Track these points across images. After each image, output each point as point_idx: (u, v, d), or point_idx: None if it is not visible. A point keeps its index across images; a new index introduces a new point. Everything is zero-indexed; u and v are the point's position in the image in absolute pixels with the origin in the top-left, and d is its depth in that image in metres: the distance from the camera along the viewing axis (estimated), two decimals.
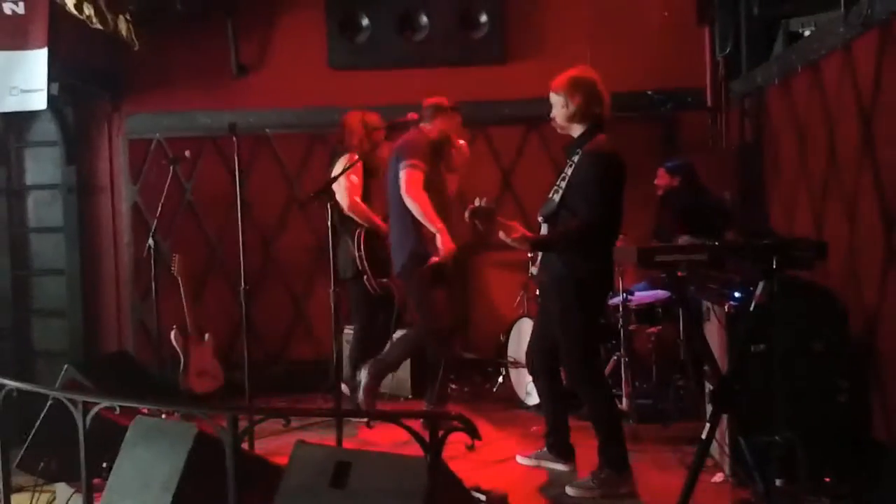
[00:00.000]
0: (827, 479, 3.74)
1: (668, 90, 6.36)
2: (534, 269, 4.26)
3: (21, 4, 5.41)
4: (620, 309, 5.00)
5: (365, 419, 5.07)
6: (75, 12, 5.29)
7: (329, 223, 4.16)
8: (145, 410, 3.65)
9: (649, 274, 5.53)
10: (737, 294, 3.99)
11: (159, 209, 5.37)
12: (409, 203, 4.79)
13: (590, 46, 6.20)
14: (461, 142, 5.19)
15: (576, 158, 3.94)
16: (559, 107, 3.99)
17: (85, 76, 6.30)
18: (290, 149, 6.64)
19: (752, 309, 3.38)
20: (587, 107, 3.94)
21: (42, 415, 3.91)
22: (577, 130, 4.00)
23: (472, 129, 6.45)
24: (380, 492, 2.77)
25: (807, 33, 4.93)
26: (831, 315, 3.94)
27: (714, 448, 3.95)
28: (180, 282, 5.84)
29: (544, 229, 4.03)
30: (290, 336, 6.66)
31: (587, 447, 4.21)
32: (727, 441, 3.90)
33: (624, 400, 4.96)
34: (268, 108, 6.58)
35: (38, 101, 5.48)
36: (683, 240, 4.94)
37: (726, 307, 3.96)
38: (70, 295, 6.58)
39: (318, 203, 4.27)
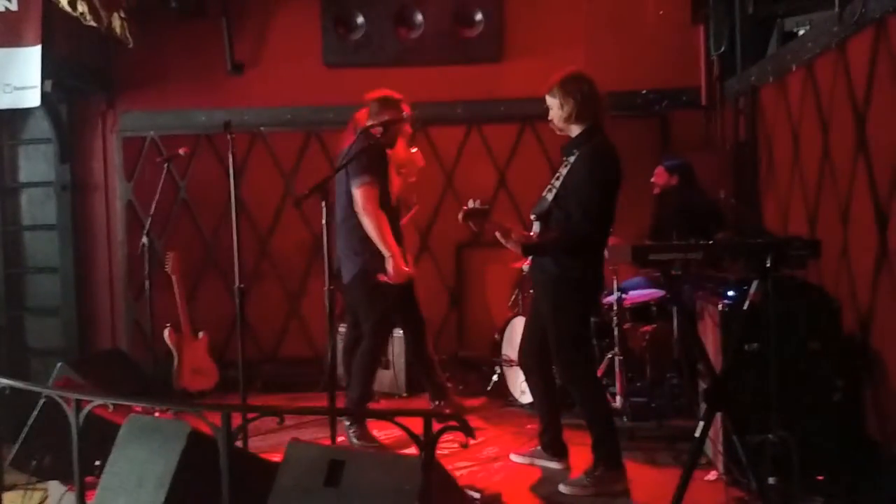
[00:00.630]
0: (820, 478, 3.75)
1: (662, 89, 6.36)
2: (526, 267, 4.26)
3: (14, 1, 5.39)
4: (615, 307, 5.00)
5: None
6: (69, 9, 5.28)
7: (324, 221, 4.15)
8: (139, 408, 3.65)
9: (645, 271, 5.53)
10: (731, 293, 3.99)
11: (153, 207, 5.36)
12: (365, 221, 4.65)
13: (585, 45, 6.23)
14: (413, 149, 5.12)
15: (572, 159, 3.94)
16: (555, 108, 3.99)
17: (79, 73, 6.28)
18: (285, 146, 6.63)
19: (745, 308, 3.39)
20: (582, 107, 3.94)
21: (35, 413, 3.90)
22: (574, 131, 4.00)
23: (467, 127, 6.48)
24: (374, 490, 2.77)
25: (801, 32, 4.94)
26: (825, 314, 3.95)
27: (708, 446, 3.96)
28: (174, 280, 5.83)
29: (536, 227, 4.04)
30: (285, 334, 6.66)
31: (581, 445, 4.22)
32: (721, 439, 3.90)
33: (618, 398, 4.96)
34: (263, 105, 6.57)
35: (32, 99, 5.47)
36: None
37: (720, 306, 3.96)
38: (64, 293, 6.57)
39: (313, 201, 4.26)
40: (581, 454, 4.18)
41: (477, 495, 3.62)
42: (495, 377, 5.83)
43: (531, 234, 4.02)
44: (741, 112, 6.03)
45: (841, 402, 3.89)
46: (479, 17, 6.46)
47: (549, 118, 4.06)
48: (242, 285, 4.36)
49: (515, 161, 6.54)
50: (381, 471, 2.82)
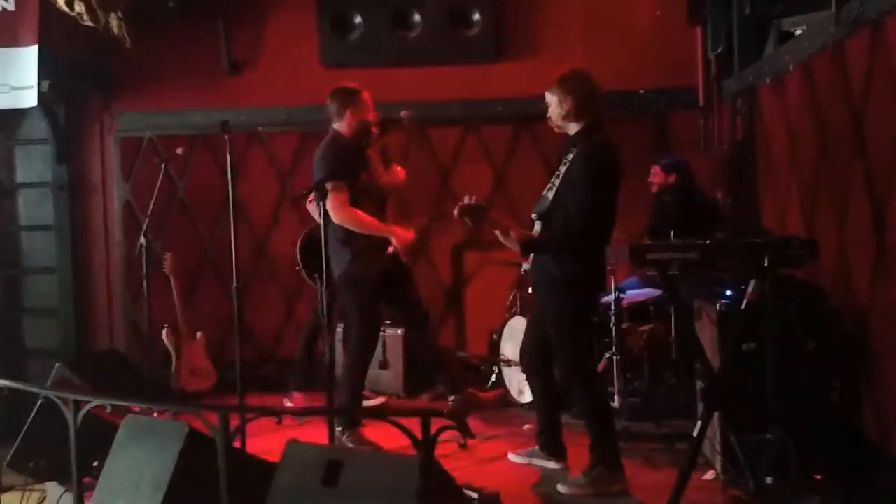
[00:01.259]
0: (818, 478, 3.75)
1: (660, 89, 6.37)
2: (526, 266, 4.26)
3: (11, 1, 5.40)
4: (612, 307, 5.00)
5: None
6: (66, 9, 5.28)
7: (322, 221, 4.15)
8: (136, 409, 3.65)
9: (640, 270, 5.53)
10: (728, 292, 3.99)
11: (151, 207, 5.36)
12: (345, 224, 4.61)
13: (582, 45, 6.23)
14: (397, 168, 5.06)
15: (570, 157, 3.94)
16: (554, 105, 4.00)
17: (76, 74, 6.28)
18: (283, 147, 6.63)
19: (743, 307, 3.39)
20: (581, 105, 3.94)
21: (33, 414, 3.90)
22: (572, 129, 4.00)
23: (464, 127, 6.47)
24: (372, 490, 2.77)
25: (798, 33, 4.95)
26: (823, 313, 3.95)
27: (706, 446, 3.95)
28: (172, 280, 5.83)
29: (538, 227, 4.03)
30: (283, 334, 6.65)
31: (579, 446, 4.22)
32: (719, 439, 3.90)
33: (616, 398, 4.96)
34: (260, 106, 6.56)
35: (29, 99, 5.47)
36: None
37: (718, 305, 3.97)
38: (61, 294, 6.56)
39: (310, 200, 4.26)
40: (580, 454, 4.18)
41: (475, 495, 3.62)
42: (493, 377, 5.84)
43: (532, 233, 4.02)
44: (739, 112, 6.03)
45: (838, 401, 3.89)
46: (476, 17, 6.46)
47: (548, 115, 4.06)
48: (240, 285, 4.36)
49: (513, 161, 6.54)
50: (380, 471, 2.82)
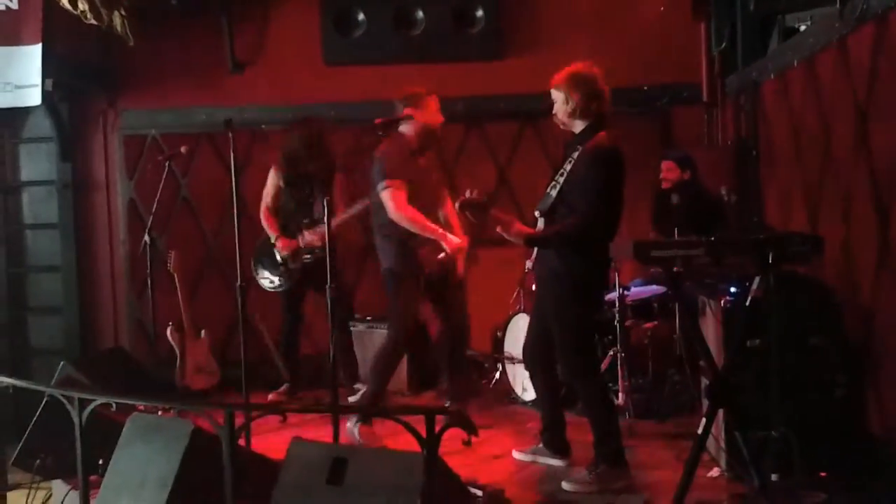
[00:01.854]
0: (823, 474, 3.75)
1: (663, 85, 6.36)
2: (529, 263, 4.26)
3: (15, 0, 5.39)
4: (617, 304, 5.00)
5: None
6: (70, 7, 5.28)
7: (325, 219, 4.15)
8: (141, 407, 3.66)
9: (642, 272, 5.52)
10: (733, 289, 3.99)
11: (155, 205, 5.36)
12: (402, 222, 4.62)
13: (586, 41, 6.22)
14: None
15: (575, 155, 3.94)
16: (560, 102, 3.98)
17: (80, 72, 6.29)
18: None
19: (747, 304, 3.39)
20: (587, 103, 3.93)
21: (38, 412, 3.91)
22: (578, 126, 3.99)
23: (468, 124, 6.46)
24: (377, 488, 2.78)
25: (802, 28, 4.94)
26: (827, 309, 3.95)
27: (710, 443, 3.95)
28: (176, 278, 5.83)
29: (541, 224, 4.03)
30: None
31: (583, 443, 4.22)
32: (723, 436, 3.90)
33: (620, 395, 4.96)
34: (263, 103, 6.57)
35: (33, 98, 5.48)
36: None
37: (722, 302, 3.96)
38: (66, 292, 6.57)
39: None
40: (584, 451, 4.18)
41: (479, 492, 3.62)
42: (497, 374, 5.84)
43: (535, 230, 4.01)
44: (742, 108, 6.02)
45: (843, 398, 3.89)
46: (479, 14, 6.45)
47: (554, 112, 4.05)
48: (244, 283, 4.36)
49: (516, 158, 6.53)
50: (384, 468, 2.83)
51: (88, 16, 5.39)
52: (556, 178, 4.00)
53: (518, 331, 5.48)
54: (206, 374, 5.90)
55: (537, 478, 4.15)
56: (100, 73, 6.52)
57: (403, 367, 5.91)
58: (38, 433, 3.93)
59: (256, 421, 3.16)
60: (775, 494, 3.44)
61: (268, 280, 5.77)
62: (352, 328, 6.22)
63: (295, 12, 6.59)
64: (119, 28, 5.71)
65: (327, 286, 4.16)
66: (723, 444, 3.92)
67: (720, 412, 3.57)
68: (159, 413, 4.25)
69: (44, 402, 3.86)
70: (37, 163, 6.64)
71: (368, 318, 6.28)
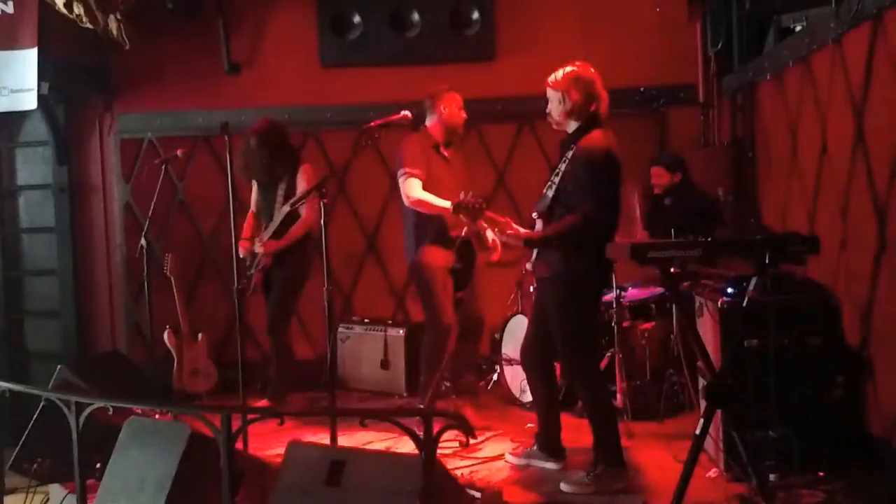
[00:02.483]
0: (821, 474, 3.75)
1: (659, 86, 6.36)
2: (528, 265, 4.25)
3: (10, 4, 5.39)
4: (614, 305, 5.00)
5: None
6: (65, 11, 5.27)
7: (322, 221, 4.15)
8: (139, 411, 3.65)
9: (640, 274, 5.51)
10: (730, 289, 3.99)
11: (151, 209, 5.35)
12: (413, 206, 4.79)
13: (582, 42, 6.22)
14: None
15: (570, 154, 3.93)
16: (556, 102, 3.98)
17: (75, 75, 6.28)
18: None
19: (745, 304, 3.39)
20: (585, 104, 3.94)
21: (35, 416, 3.90)
22: (572, 126, 4.00)
23: (465, 125, 6.47)
24: (375, 490, 2.77)
25: (798, 29, 4.94)
26: (825, 309, 3.95)
27: (708, 443, 3.96)
28: (173, 281, 5.83)
29: (539, 225, 4.03)
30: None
31: (579, 445, 4.22)
32: (721, 436, 3.90)
33: (618, 396, 4.95)
34: (260, 106, 6.55)
35: (29, 101, 5.46)
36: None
37: (719, 303, 3.96)
38: (62, 295, 6.56)
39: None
40: (579, 453, 4.18)
41: (478, 494, 3.61)
42: (495, 376, 5.83)
43: (532, 231, 4.01)
44: (739, 109, 6.03)
45: (841, 397, 3.89)
46: (475, 15, 6.45)
47: (548, 111, 4.04)
48: (241, 286, 4.36)
49: (514, 160, 6.53)
50: (382, 471, 2.83)
51: (84, 20, 5.38)
52: (552, 178, 4.00)
53: (516, 332, 5.48)
54: (203, 377, 5.89)
55: (536, 479, 4.14)
56: (96, 77, 6.52)
57: (401, 368, 5.92)
58: (36, 437, 3.92)
59: (254, 424, 3.16)
60: (774, 494, 3.44)
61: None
62: (349, 330, 6.22)
63: (291, 15, 6.58)
64: (114, 32, 5.70)
65: (325, 288, 4.16)
66: (721, 445, 3.92)
67: (718, 413, 3.57)
68: (156, 416, 4.25)
69: (41, 405, 3.85)
70: (33, 166, 6.63)
71: (366, 319, 6.29)
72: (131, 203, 6.62)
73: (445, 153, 4.97)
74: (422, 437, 2.71)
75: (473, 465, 4.35)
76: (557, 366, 4.34)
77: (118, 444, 3.28)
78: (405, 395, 5.88)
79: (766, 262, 3.20)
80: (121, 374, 5.76)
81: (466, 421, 2.74)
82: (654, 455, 4.39)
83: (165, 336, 5.82)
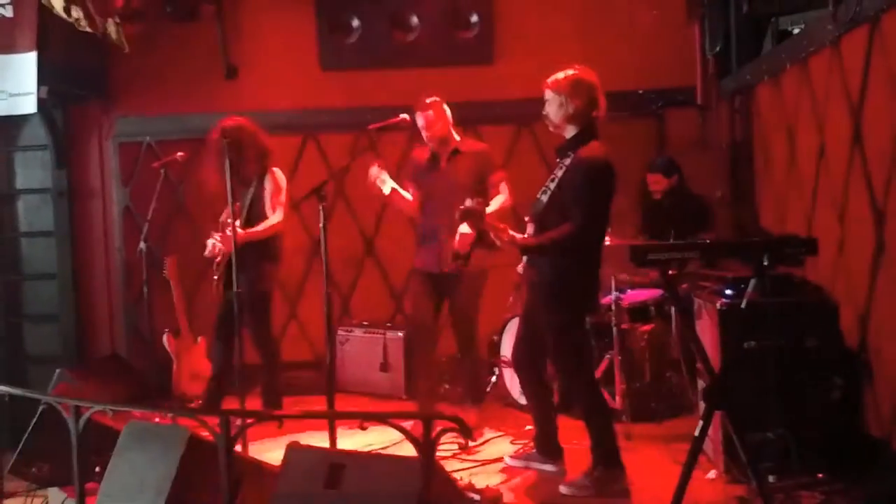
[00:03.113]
0: (820, 475, 3.75)
1: (657, 88, 6.37)
2: (519, 268, 4.25)
3: (9, 8, 5.39)
4: (613, 307, 5.00)
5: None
6: (64, 15, 5.27)
7: (321, 224, 4.16)
8: (138, 414, 3.65)
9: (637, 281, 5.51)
10: (729, 291, 4.00)
11: (150, 212, 5.36)
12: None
13: (580, 45, 6.22)
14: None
15: (567, 161, 3.94)
16: (556, 106, 3.97)
17: (74, 79, 6.28)
18: (282, 150, 6.60)
19: (743, 306, 3.39)
20: (586, 109, 3.94)
21: (34, 420, 3.90)
22: (570, 131, 4.00)
23: (463, 129, 6.47)
24: (374, 493, 2.77)
25: (796, 31, 4.95)
26: (823, 311, 3.95)
27: (707, 445, 3.96)
28: (172, 285, 5.83)
29: (530, 229, 4.03)
30: (284, 338, 6.64)
31: (577, 447, 4.22)
32: (720, 438, 3.91)
33: (617, 398, 4.96)
34: (259, 109, 6.55)
35: (28, 105, 5.46)
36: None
37: (718, 304, 3.97)
38: (62, 299, 6.56)
39: (310, 204, 4.27)
40: (578, 456, 4.18)
41: (477, 497, 3.62)
42: (494, 378, 5.83)
43: (525, 235, 4.01)
44: (737, 111, 6.04)
45: (840, 399, 3.89)
46: (474, 18, 6.46)
47: (545, 113, 4.04)
48: (240, 289, 4.36)
49: (512, 163, 6.52)
50: (381, 473, 2.83)
51: (83, 23, 5.38)
52: (547, 183, 4.00)
53: (514, 335, 5.48)
54: (203, 380, 5.88)
55: (535, 482, 4.15)
56: (94, 81, 6.52)
57: (400, 371, 5.92)
58: (35, 441, 3.91)
59: (253, 427, 3.16)
60: (773, 496, 3.44)
61: None
62: (348, 333, 6.22)
63: (290, 17, 6.58)
64: (113, 35, 5.70)
65: (325, 291, 4.16)
66: (720, 446, 3.92)
67: (717, 414, 3.57)
68: (156, 420, 4.25)
69: (40, 409, 3.85)
70: (32, 170, 6.63)
71: (365, 322, 6.29)
72: (130, 206, 6.62)
73: (440, 162, 4.99)
74: (420, 439, 2.72)
75: (472, 467, 4.36)
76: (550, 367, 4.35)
77: (117, 447, 3.27)
78: (404, 397, 5.87)
79: (765, 263, 3.21)
80: (120, 378, 5.78)
81: (465, 423, 2.74)
82: (653, 457, 4.40)
83: (165, 339, 5.81)
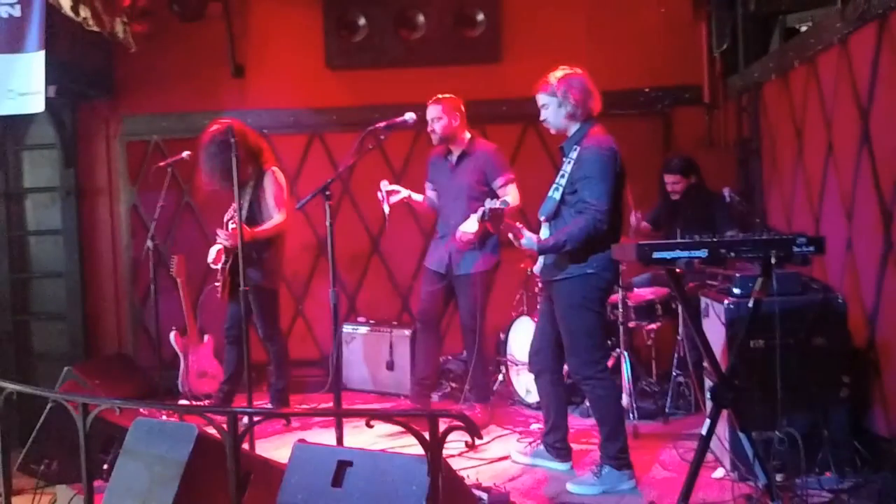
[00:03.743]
0: (828, 474, 3.75)
1: (665, 87, 6.36)
2: (535, 268, 4.24)
3: (17, 7, 5.39)
4: (620, 306, 5.00)
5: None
6: (71, 14, 5.28)
7: (328, 223, 4.16)
8: (145, 412, 3.66)
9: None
10: (736, 290, 3.99)
11: (158, 211, 5.37)
12: None
13: (586, 44, 6.22)
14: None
15: (574, 154, 3.93)
16: (554, 106, 3.97)
17: (82, 78, 6.29)
18: (289, 149, 6.63)
19: (751, 305, 3.39)
20: (584, 102, 3.94)
21: (42, 417, 3.91)
22: (573, 128, 4.00)
23: (469, 127, 6.48)
24: (381, 491, 2.77)
25: (803, 29, 4.94)
26: (830, 310, 3.94)
27: (714, 444, 3.95)
28: (179, 283, 5.84)
29: (545, 229, 4.02)
30: (290, 336, 6.65)
31: (585, 445, 4.22)
32: (728, 437, 3.90)
33: (624, 397, 4.95)
34: (265, 108, 6.58)
35: (36, 104, 5.46)
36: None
37: (726, 303, 3.96)
38: (69, 298, 6.58)
39: (316, 202, 4.27)
40: (585, 454, 4.17)
41: (484, 495, 3.62)
42: (500, 377, 5.83)
43: (539, 236, 4.00)
44: (744, 109, 6.02)
45: (847, 398, 3.89)
46: (480, 17, 6.46)
47: (543, 118, 4.04)
48: (247, 288, 4.37)
49: (519, 161, 6.52)
50: (388, 471, 2.83)
51: (90, 23, 5.39)
52: (556, 181, 3.99)
53: (521, 333, 5.48)
54: (210, 378, 5.90)
55: (542, 480, 4.15)
56: (102, 80, 6.53)
57: (406, 369, 5.92)
58: (43, 438, 3.93)
59: (260, 424, 3.17)
60: (780, 495, 3.43)
61: None
62: (354, 331, 6.23)
63: (296, 16, 6.59)
64: (120, 34, 5.71)
65: (331, 290, 4.16)
66: (727, 445, 3.92)
67: (724, 413, 3.57)
68: (163, 417, 4.26)
69: (48, 407, 3.86)
70: (40, 169, 6.65)
71: (371, 320, 6.30)
72: (137, 205, 6.64)
73: (451, 161, 5.15)
74: (427, 437, 2.72)
75: (480, 465, 4.36)
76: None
77: (125, 445, 3.28)
78: (411, 395, 5.87)
79: (772, 262, 3.20)
80: (127, 376, 5.80)
81: (472, 421, 2.74)
82: (660, 455, 4.39)
83: (172, 337, 5.83)
